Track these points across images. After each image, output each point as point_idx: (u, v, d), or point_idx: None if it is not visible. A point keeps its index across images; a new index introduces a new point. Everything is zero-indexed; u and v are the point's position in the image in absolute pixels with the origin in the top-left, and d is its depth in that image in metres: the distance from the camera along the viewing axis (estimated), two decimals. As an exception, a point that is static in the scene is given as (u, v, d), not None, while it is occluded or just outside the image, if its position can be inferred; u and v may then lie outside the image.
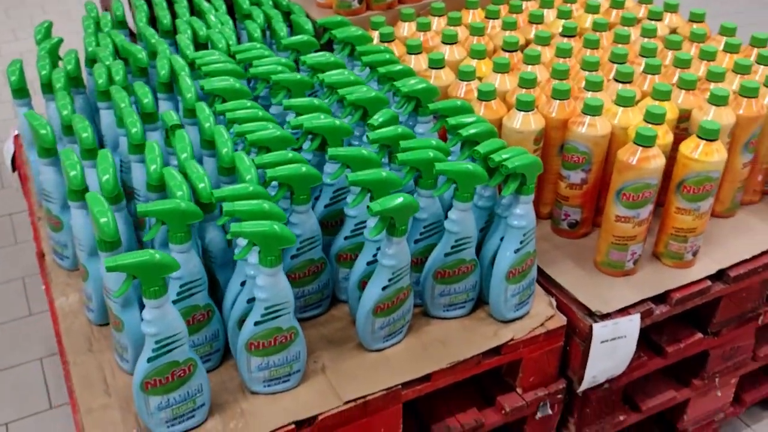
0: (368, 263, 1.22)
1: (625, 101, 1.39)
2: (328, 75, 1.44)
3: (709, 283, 1.40)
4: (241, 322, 1.14)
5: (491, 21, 1.82)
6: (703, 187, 1.31)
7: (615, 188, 1.31)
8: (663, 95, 1.39)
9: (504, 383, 1.38)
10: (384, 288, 1.16)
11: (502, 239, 1.26)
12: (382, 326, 1.21)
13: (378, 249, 1.19)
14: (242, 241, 1.10)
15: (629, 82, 1.47)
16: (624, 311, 1.33)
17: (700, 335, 1.49)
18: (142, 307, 1.13)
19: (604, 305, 1.31)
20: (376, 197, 1.13)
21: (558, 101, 1.42)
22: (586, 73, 1.51)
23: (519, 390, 1.35)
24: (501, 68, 1.54)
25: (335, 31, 1.64)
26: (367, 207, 1.08)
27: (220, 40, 1.62)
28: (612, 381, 1.41)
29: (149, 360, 1.02)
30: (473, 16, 1.87)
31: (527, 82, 1.45)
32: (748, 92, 1.40)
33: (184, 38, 1.62)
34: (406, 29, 1.81)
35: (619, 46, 1.62)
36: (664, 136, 1.34)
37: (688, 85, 1.44)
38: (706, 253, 1.43)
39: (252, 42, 1.67)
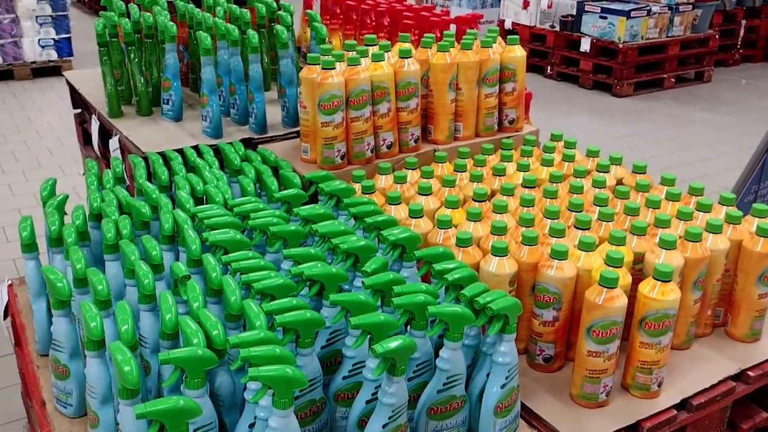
0: (367, 402, 1.31)
1: (586, 246, 1.57)
2: (321, 225, 1.58)
3: (674, 412, 1.52)
4: (250, 463, 1.20)
5: (460, 173, 2.03)
6: (662, 323, 1.46)
7: (585, 326, 1.46)
8: (619, 241, 1.58)
9: None
10: (384, 426, 1.25)
11: (488, 375, 1.37)
12: (382, 463, 1.28)
13: (376, 388, 1.29)
14: (254, 384, 1.19)
15: (588, 229, 1.66)
16: (601, 441, 1.43)
17: (671, 462, 1.60)
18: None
19: (584, 435, 1.42)
20: (377, 339, 1.24)
21: (528, 247, 1.59)
22: (549, 220, 1.70)
23: None
24: (474, 217, 1.71)
25: (322, 185, 1.81)
26: (371, 349, 1.19)
27: (217, 195, 1.77)
28: None
29: (168, 503, 1.06)
30: (443, 169, 2.08)
31: (499, 230, 1.62)
32: (693, 237, 1.60)
33: (183, 194, 1.76)
34: (383, 181, 1.99)
35: (575, 196, 1.83)
36: (624, 277, 1.50)
37: (639, 231, 1.64)
38: (669, 384, 1.57)
39: (246, 195, 1.82)
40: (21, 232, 1.58)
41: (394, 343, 1.20)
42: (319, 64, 1.99)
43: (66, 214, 1.73)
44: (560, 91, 6.65)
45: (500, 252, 1.55)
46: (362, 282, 1.40)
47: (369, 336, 1.27)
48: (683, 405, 1.55)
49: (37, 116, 5.64)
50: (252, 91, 2.26)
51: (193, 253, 1.51)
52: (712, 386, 1.58)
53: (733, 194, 1.81)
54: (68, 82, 2.88)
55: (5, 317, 1.92)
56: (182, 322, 1.24)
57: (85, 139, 2.98)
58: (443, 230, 1.69)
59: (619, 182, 2.03)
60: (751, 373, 1.64)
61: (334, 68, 1.97)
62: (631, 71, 6.50)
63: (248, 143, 2.25)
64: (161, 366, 1.32)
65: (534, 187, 1.91)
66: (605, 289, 1.43)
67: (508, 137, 2.27)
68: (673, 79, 6.88)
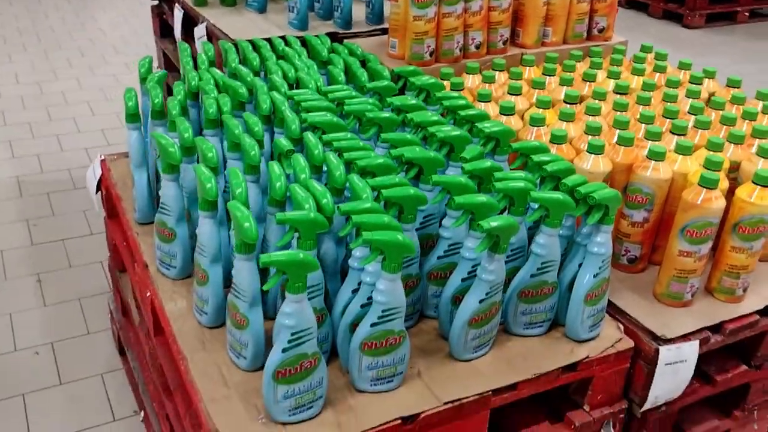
0: (463, 279, 1.35)
1: (684, 150, 1.55)
2: (416, 114, 1.60)
3: (758, 317, 1.54)
4: (353, 325, 1.26)
5: (548, 77, 2.00)
6: (757, 228, 1.46)
7: (679, 225, 1.46)
8: (717, 147, 1.56)
9: (570, 401, 1.49)
10: (481, 301, 1.29)
11: (580, 265, 1.40)
12: (474, 338, 1.34)
13: (473, 267, 1.32)
14: (360, 252, 1.24)
15: (684, 135, 1.64)
16: (684, 338, 1.46)
17: (744, 367, 1.62)
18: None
19: (668, 331, 1.44)
20: (477, 219, 1.27)
21: (623, 147, 1.58)
22: (644, 125, 1.68)
23: (586, 407, 1.47)
24: (567, 117, 1.71)
25: (413, 79, 1.81)
26: (477, 225, 1.22)
27: (310, 81, 1.79)
28: (668, 405, 1.53)
29: (284, 350, 1.13)
30: (530, 73, 2.05)
31: (594, 130, 1.62)
32: (792, 147, 1.57)
33: (277, 78, 1.78)
34: (471, 81, 1.99)
35: (669, 104, 1.80)
36: (721, 181, 1.49)
37: (737, 140, 1.62)
38: (753, 291, 1.58)
39: (336, 84, 1.83)
40: (127, 102, 1.63)
41: (499, 221, 1.23)
42: (414, -44, 1.96)
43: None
44: (629, 19, 6.42)
45: (596, 150, 1.55)
46: (461, 167, 1.42)
47: (470, 216, 1.30)
48: (766, 311, 1.56)
49: (101, 15, 5.67)
50: (339, -15, 2.24)
51: (293, 132, 1.54)
52: (797, 296, 1.59)
53: (834, 111, 1.76)
54: (148, -27, 2.89)
55: (97, 191, 2.00)
56: (293, 189, 1.28)
57: (162, 31, 3.01)
58: (536, 128, 1.69)
59: (712, 95, 1.99)
60: (835, 288, 1.63)
61: (430, -39, 1.94)
62: (705, 2, 6.23)
63: (334, 38, 2.24)
64: (268, 231, 1.37)
65: (626, 94, 1.89)
66: (704, 190, 1.43)
67: (597, 46, 2.22)
68: (747, 14, 6.57)
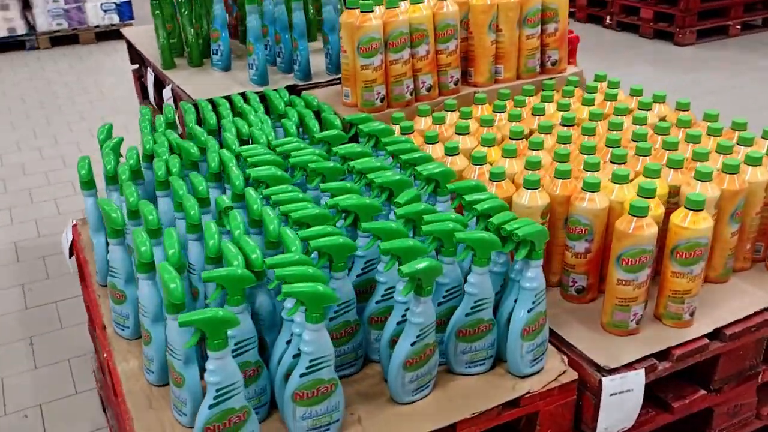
0: (398, 323, 1.38)
1: (620, 179, 1.57)
2: (358, 162, 1.64)
3: (707, 341, 1.54)
4: (287, 376, 1.29)
5: (498, 114, 2.05)
6: (694, 252, 1.47)
7: (615, 255, 1.48)
8: (654, 173, 1.58)
9: (524, 438, 1.50)
10: (413, 344, 1.32)
11: (515, 301, 1.42)
12: (412, 380, 1.36)
13: (407, 310, 1.35)
14: (290, 303, 1.27)
15: (624, 163, 1.66)
16: (630, 366, 1.46)
17: (703, 392, 1.61)
18: (200, 365, 1.29)
19: (612, 361, 1.45)
20: (405, 263, 1.30)
21: (561, 180, 1.61)
22: (585, 156, 1.71)
23: (538, 442, 1.47)
24: (509, 154, 1.74)
25: (361, 126, 1.87)
26: (398, 270, 1.26)
27: (261, 136, 1.85)
28: (624, 435, 1.53)
29: (210, 407, 1.16)
30: (483, 111, 2.10)
31: (533, 165, 1.65)
32: (730, 169, 1.58)
33: (230, 135, 1.85)
34: (423, 123, 2.03)
35: (614, 133, 1.83)
36: (656, 208, 1.51)
37: (676, 165, 1.63)
38: (703, 314, 1.58)
39: (289, 137, 1.89)
40: (80, 170, 1.70)
41: (420, 265, 1.26)
42: (358, 7, 2.03)
43: (121, 155, 1.84)
44: (620, 42, 6.46)
45: (532, 185, 1.57)
46: (394, 213, 1.46)
47: (399, 260, 1.33)
48: (716, 335, 1.55)
49: (103, 78, 5.86)
50: (296, 39, 2.32)
51: (236, 188, 1.59)
52: (747, 317, 1.58)
53: (777, 128, 1.77)
54: (126, 39, 3.01)
55: (71, 256, 2.07)
56: (224, 247, 1.33)
57: (143, 93, 3.11)
58: (478, 166, 1.72)
59: (662, 120, 2.01)
60: (790, 306, 1.63)
61: (373, 11, 2.01)
62: (694, 19, 6.25)
63: (294, 90, 2.31)
64: (206, 287, 1.42)
65: (573, 125, 1.92)
66: (635, 218, 1.44)
67: (551, 79, 2.26)
68: (738, 27, 6.57)
